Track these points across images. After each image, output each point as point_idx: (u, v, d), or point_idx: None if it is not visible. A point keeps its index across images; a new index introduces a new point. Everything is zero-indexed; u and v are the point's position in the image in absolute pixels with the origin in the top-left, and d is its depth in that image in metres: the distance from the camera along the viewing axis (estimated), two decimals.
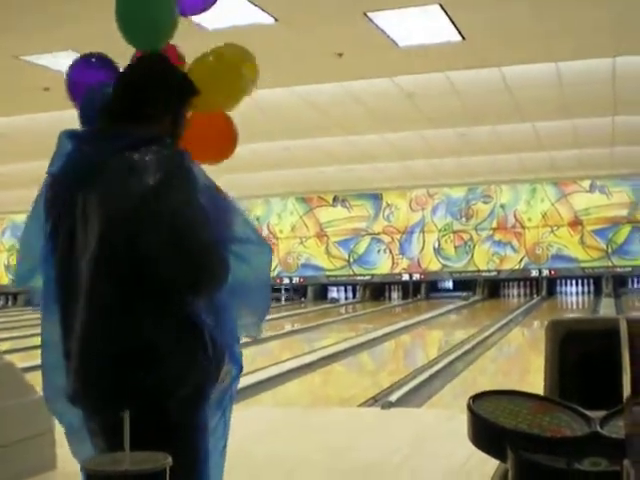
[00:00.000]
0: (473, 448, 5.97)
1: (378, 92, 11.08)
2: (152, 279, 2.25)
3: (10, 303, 26.97)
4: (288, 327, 18.28)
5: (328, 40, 8.28)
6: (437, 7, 7.27)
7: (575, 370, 3.69)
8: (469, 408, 1.96)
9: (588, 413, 1.97)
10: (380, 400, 8.20)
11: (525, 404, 2.00)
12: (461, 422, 6.37)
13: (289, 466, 5.45)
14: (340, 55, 8.60)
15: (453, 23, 7.74)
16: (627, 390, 1.38)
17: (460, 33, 8.01)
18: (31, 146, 13.79)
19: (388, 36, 8.14)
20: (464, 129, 14.06)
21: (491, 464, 5.52)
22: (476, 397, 2.02)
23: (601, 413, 1.94)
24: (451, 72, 10.27)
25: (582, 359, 3.75)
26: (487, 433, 1.93)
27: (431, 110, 12.25)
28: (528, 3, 7.46)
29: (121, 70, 2.75)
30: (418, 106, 11.93)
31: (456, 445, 6.16)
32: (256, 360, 12.66)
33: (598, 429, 1.85)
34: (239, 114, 10.10)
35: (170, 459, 1.30)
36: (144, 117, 2.41)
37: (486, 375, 10.74)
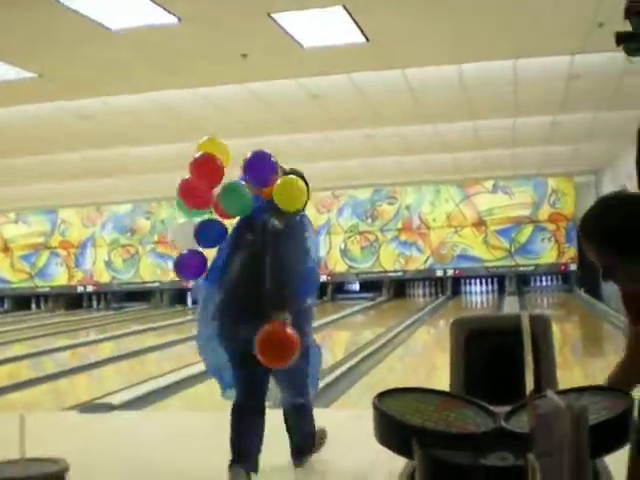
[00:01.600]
0: (381, 447, 6.01)
1: (283, 93, 11.05)
2: None
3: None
4: (194, 331, 18.11)
5: (232, 41, 8.21)
6: (341, 8, 7.28)
7: (479, 367, 3.74)
8: (375, 406, 1.95)
9: (493, 408, 1.97)
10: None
11: (431, 401, 1.99)
12: (369, 421, 6.42)
13: (199, 470, 5.40)
14: (244, 56, 8.55)
15: (357, 25, 7.75)
16: (530, 384, 1.39)
17: (364, 35, 8.03)
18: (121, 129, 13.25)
19: (292, 37, 8.12)
20: (369, 130, 14.14)
21: (398, 463, 5.56)
22: (382, 395, 2.01)
23: (505, 408, 1.94)
24: (355, 73, 10.30)
25: (486, 356, 3.80)
26: (394, 431, 1.92)
27: (336, 111, 12.28)
28: (432, 6, 7.53)
29: None
30: (323, 107, 11.95)
31: (365, 444, 6.21)
32: (163, 365, 12.54)
33: (503, 424, 1.85)
34: (144, 116, 9.97)
35: (67, 465, 1.25)
36: None
37: (394, 374, 10.82)
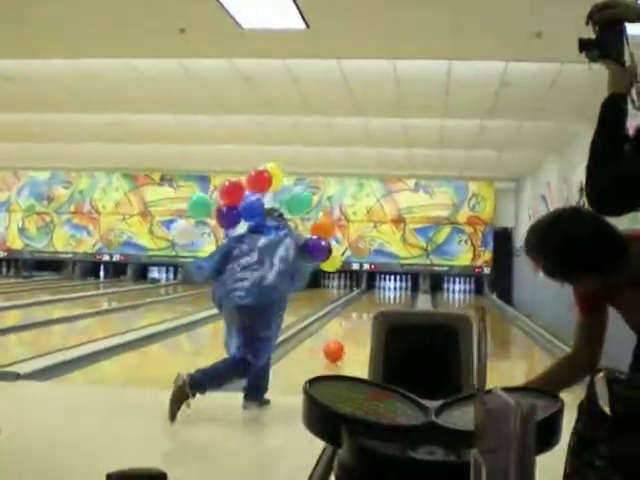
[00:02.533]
0: (289, 433, 5.99)
1: (216, 73, 10.95)
2: None
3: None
4: (106, 305, 17.91)
5: (171, 14, 8.09)
6: None
7: (399, 361, 3.76)
8: (305, 392, 1.93)
9: (424, 402, 1.97)
10: None
11: (362, 390, 1.98)
12: (278, 408, 6.39)
13: (102, 445, 5.32)
14: (182, 31, 8.43)
15: (299, 10, 7.71)
16: (477, 379, 1.38)
17: (305, 21, 7.99)
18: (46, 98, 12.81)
19: (233, 17, 8.03)
20: (298, 117, 14.11)
21: (301, 453, 5.55)
22: (312, 381, 1.99)
23: (437, 403, 1.94)
24: (291, 60, 10.26)
25: (406, 350, 3.82)
26: (323, 418, 1.90)
27: (268, 96, 12.21)
28: None
29: None
30: (254, 91, 11.87)
31: (270, 430, 6.24)
32: (69, 337, 12.33)
33: (434, 418, 1.85)
34: (70, 83, 9.76)
35: None
36: None
37: (302, 364, 10.81)
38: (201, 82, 11.44)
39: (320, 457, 2.98)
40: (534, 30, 8.08)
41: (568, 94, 11.25)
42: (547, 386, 2.67)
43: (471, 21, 8.15)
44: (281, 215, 7.04)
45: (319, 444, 3.83)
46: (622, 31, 2.43)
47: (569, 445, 1.98)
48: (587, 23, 2.43)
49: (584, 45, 2.48)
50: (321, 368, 10.48)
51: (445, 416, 1.85)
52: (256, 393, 6.63)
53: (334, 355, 10.39)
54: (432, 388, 2.26)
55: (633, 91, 2.35)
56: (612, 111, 2.32)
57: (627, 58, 2.40)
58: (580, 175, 13.89)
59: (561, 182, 16.00)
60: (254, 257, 6.53)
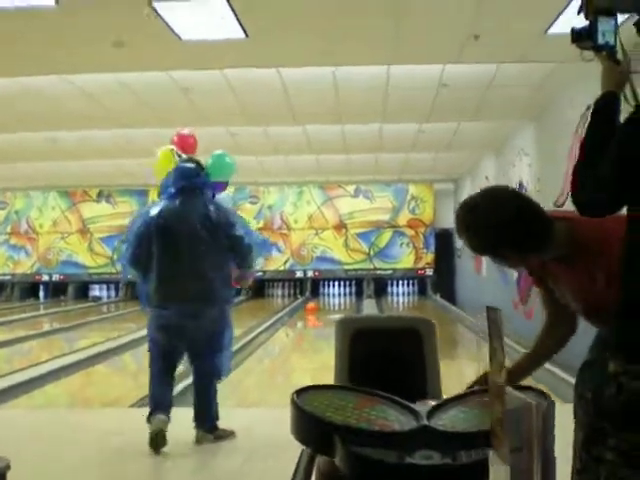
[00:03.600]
0: (251, 447, 5.94)
1: (153, 85, 10.84)
2: None
3: None
4: (47, 326, 17.64)
5: (108, 28, 7.99)
6: (224, 1, 7.18)
7: (363, 365, 3.74)
8: (294, 403, 1.90)
9: (415, 407, 1.96)
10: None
11: (350, 398, 1.96)
12: (237, 421, 6.34)
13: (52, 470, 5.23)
14: (120, 44, 8.33)
15: (237, 19, 7.67)
16: (491, 380, 1.37)
17: (244, 30, 7.96)
18: None
19: (171, 28, 7.96)
20: (236, 128, 14.05)
21: (270, 460, 5.50)
22: (299, 392, 1.96)
23: (426, 406, 1.93)
24: (230, 70, 10.21)
25: (370, 355, 3.81)
26: (314, 428, 1.87)
27: (206, 107, 12.14)
28: (310, 5, 7.53)
29: None
30: (192, 102, 11.79)
31: (236, 444, 6.16)
32: (12, 361, 12.12)
33: (426, 422, 1.84)
34: (8, 100, 9.52)
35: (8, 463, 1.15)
36: None
37: (252, 376, 10.77)
38: (138, 95, 11.33)
39: (296, 470, 2.95)
40: (472, 32, 8.14)
41: (505, 94, 11.39)
42: (536, 361, 2.88)
43: (410, 25, 8.19)
44: None
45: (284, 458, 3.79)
46: (616, 22, 2.39)
47: (575, 441, 1.98)
48: (579, 12, 2.40)
49: (577, 35, 2.42)
50: (273, 379, 10.47)
51: (437, 419, 1.84)
52: (208, 424, 6.10)
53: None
54: (397, 392, 2.25)
55: (627, 88, 2.33)
56: (605, 111, 2.32)
57: (619, 52, 2.38)
58: (518, 172, 14.06)
59: (500, 180, 16.18)
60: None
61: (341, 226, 23.61)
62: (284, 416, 6.33)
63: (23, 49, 8.79)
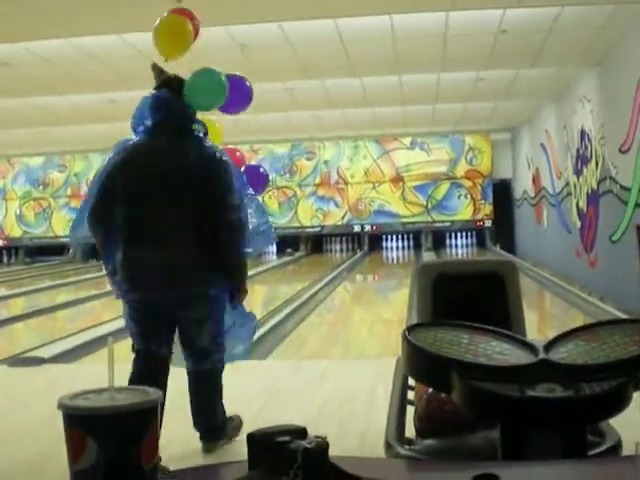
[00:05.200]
0: (328, 395, 5.99)
1: (209, 41, 10.79)
2: None
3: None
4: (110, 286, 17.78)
5: None
6: None
7: (444, 311, 3.71)
8: (406, 340, 1.88)
9: (530, 341, 1.93)
10: None
11: (463, 334, 1.93)
12: (309, 371, 6.39)
13: None
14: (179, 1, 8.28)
15: None
16: None
17: None
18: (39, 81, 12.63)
19: None
20: (294, 83, 13.98)
21: (347, 408, 5.55)
22: (410, 329, 1.94)
23: (542, 341, 1.90)
24: (286, 23, 10.13)
25: (451, 300, 3.78)
26: (430, 365, 1.85)
27: (263, 63, 12.07)
28: None
29: None
30: (249, 58, 11.73)
31: (310, 393, 6.21)
32: (78, 321, 12.29)
33: (546, 356, 1.81)
34: (61, 63, 9.52)
35: (160, 394, 1.14)
36: None
37: (316, 330, 10.82)
38: (195, 52, 11.28)
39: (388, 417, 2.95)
40: None
41: (566, 39, 11.16)
42: None
43: None
44: None
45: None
46: None
47: None
48: None
49: None
50: (335, 333, 10.51)
51: (555, 352, 1.81)
52: (215, 434, 4.70)
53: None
54: None
55: None
56: None
57: None
58: (580, 120, 13.82)
59: (560, 128, 15.94)
60: None
61: (398, 179, 23.48)
62: (349, 367, 6.34)
63: (80, 9, 8.81)
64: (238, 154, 5.19)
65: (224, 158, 4.50)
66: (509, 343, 1.89)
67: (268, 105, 15.97)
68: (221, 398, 4.69)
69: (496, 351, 1.84)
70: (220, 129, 5.19)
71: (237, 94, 5.04)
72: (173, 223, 4.36)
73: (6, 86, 12.89)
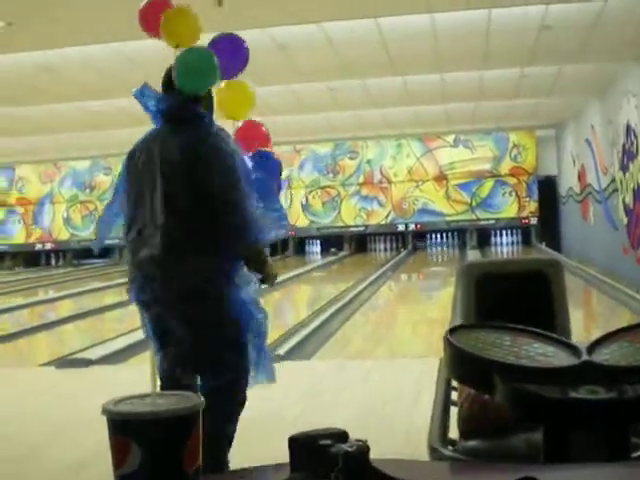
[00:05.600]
0: (372, 395, 5.99)
1: (249, 44, 10.84)
2: None
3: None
4: None
5: None
6: None
7: (489, 311, 3.69)
8: (448, 342, 1.88)
9: (573, 342, 1.92)
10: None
11: (505, 336, 1.93)
12: (353, 371, 6.41)
13: None
14: (220, 3, 8.34)
15: None
16: None
17: None
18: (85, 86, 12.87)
19: None
20: (334, 83, 14.00)
21: (391, 407, 5.55)
22: (451, 331, 1.94)
23: (584, 342, 1.89)
24: (326, 23, 10.14)
25: (496, 299, 3.75)
26: (472, 367, 1.85)
27: (304, 63, 12.10)
28: None
29: None
30: (289, 59, 11.76)
31: (354, 393, 6.22)
32: (125, 322, 12.40)
33: (588, 357, 1.80)
34: (106, 69, 9.59)
35: (202, 400, 1.15)
36: None
37: (360, 330, 10.83)
38: None
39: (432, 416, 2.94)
40: None
41: (610, 34, 11.05)
42: None
43: None
44: None
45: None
46: None
47: None
48: None
49: None
50: (380, 333, 10.50)
51: (598, 354, 1.80)
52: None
53: None
54: None
55: None
56: None
57: None
58: (625, 115, 13.67)
59: (605, 124, 15.78)
60: None
61: (442, 177, 23.39)
62: (393, 368, 6.33)
63: (122, 14, 8.87)
64: (264, 129, 4.78)
65: (215, 143, 3.94)
66: (552, 345, 1.88)
67: (309, 106, 16.03)
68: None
69: (539, 353, 1.83)
70: (246, 93, 4.82)
71: (231, 58, 4.55)
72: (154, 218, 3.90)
73: (51, 91, 13.06)
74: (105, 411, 1.12)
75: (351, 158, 23.79)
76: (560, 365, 1.76)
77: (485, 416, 2.59)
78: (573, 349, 1.83)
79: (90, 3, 8.42)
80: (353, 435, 1.28)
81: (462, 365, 1.86)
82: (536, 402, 1.71)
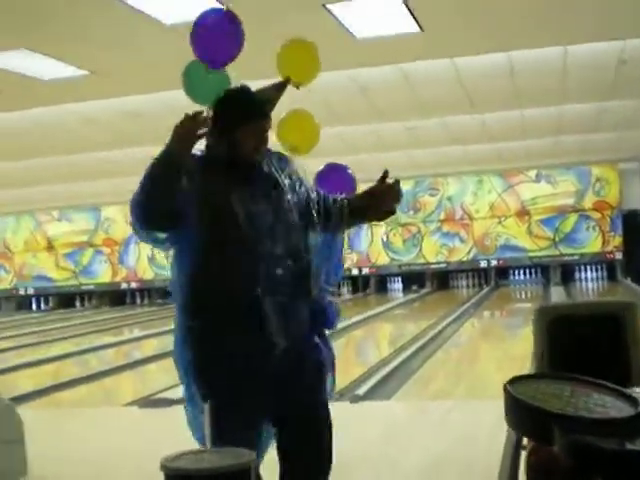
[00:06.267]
0: (449, 438, 5.98)
1: (331, 85, 11.01)
2: None
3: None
4: None
5: (284, 32, 8.15)
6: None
7: (564, 353, 3.68)
8: (509, 393, 1.92)
9: (631, 393, 1.94)
10: (347, 394, 8.17)
11: (564, 387, 1.96)
12: (432, 412, 6.40)
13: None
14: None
15: (412, 14, 7.69)
16: None
17: (419, 24, 7.97)
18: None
19: (346, 28, 8.07)
20: (413, 122, 14.08)
21: (469, 449, 5.53)
22: (512, 382, 1.98)
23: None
24: (404, 64, 10.24)
25: (570, 342, 3.75)
26: (532, 418, 1.88)
27: (383, 103, 12.21)
28: None
29: None
30: (370, 99, 11.89)
31: (432, 436, 6.20)
32: None
33: None
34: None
35: (254, 455, 1.22)
36: None
37: (444, 367, 10.77)
38: (317, 94, 11.50)
39: (502, 460, 2.96)
40: None
41: None
42: None
43: (583, 3, 7.98)
44: None
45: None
46: None
47: None
48: None
49: None
50: (462, 371, 10.43)
51: None
52: None
53: None
54: (600, 379, 2.21)
55: None
56: None
57: None
58: None
59: None
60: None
61: (524, 213, 23.17)
62: (474, 408, 6.30)
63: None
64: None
65: None
66: (610, 395, 1.90)
67: (389, 144, 16.14)
68: None
69: (597, 404, 1.86)
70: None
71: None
72: None
73: (139, 135, 13.39)
74: (162, 467, 1.20)
75: (432, 195, 23.75)
76: (617, 416, 1.78)
77: (551, 465, 2.60)
78: (631, 400, 1.85)
79: (173, 51, 8.64)
80: (431, 477, 1.33)
81: (521, 416, 1.89)
82: (593, 453, 1.74)
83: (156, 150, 3.27)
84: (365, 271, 23.98)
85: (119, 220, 25.39)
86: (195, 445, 2.94)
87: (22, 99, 10.54)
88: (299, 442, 3.29)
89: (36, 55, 8.48)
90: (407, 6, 7.47)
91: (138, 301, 26.05)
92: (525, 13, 8.03)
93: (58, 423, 7.61)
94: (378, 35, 8.42)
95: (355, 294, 23.69)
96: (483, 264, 23.34)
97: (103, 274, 25.91)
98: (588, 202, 22.84)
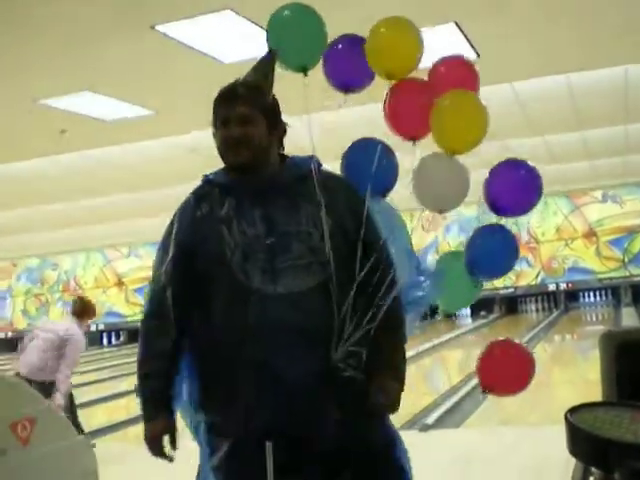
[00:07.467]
0: (521, 465, 5.93)
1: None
2: None
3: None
4: None
5: None
6: (452, 25, 7.26)
7: (631, 380, 3.64)
8: (568, 421, 1.92)
9: None
10: (416, 422, 8.16)
11: (624, 414, 1.95)
12: (501, 440, 6.36)
13: None
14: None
15: (468, 40, 7.71)
16: None
17: (475, 50, 7.98)
18: (46, 189, 13.88)
19: None
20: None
21: (540, 477, 5.46)
22: (572, 410, 1.98)
23: None
24: None
25: (638, 369, 3.70)
26: (591, 446, 1.88)
27: None
28: (542, 16, 7.45)
29: None
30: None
31: (501, 464, 6.15)
32: None
33: None
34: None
35: None
36: None
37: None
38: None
39: None
40: None
41: None
42: None
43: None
44: None
45: None
46: None
47: None
48: None
49: None
50: (533, 396, 10.31)
51: None
52: None
53: None
54: None
55: None
56: None
57: None
58: None
59: None
60: None
61: (591, 234, 22.89)
62: (546, 434, 6.25)
63: None
64: None
65: None
66: None
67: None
68: None
69: None
70: None
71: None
72: None
73: (200, 169, 13.57)
74: None
75: (497, 219, 23.57)
76: None
77: None
78: None
79: None
80: None
81: (581, 444, 1.89)
82: None
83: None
84: None
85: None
86: None
87: (86, 139, 10.80)
88: None
89: (99, 96, 8.70)
90: (462, 32, 7.49)
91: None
92: (580, 33, 8.00)
93: (126, 458, 7.70)
94: None
95: (423, 321, 23.48)
96: (551, 287, 23.08)
97: None
98: None
